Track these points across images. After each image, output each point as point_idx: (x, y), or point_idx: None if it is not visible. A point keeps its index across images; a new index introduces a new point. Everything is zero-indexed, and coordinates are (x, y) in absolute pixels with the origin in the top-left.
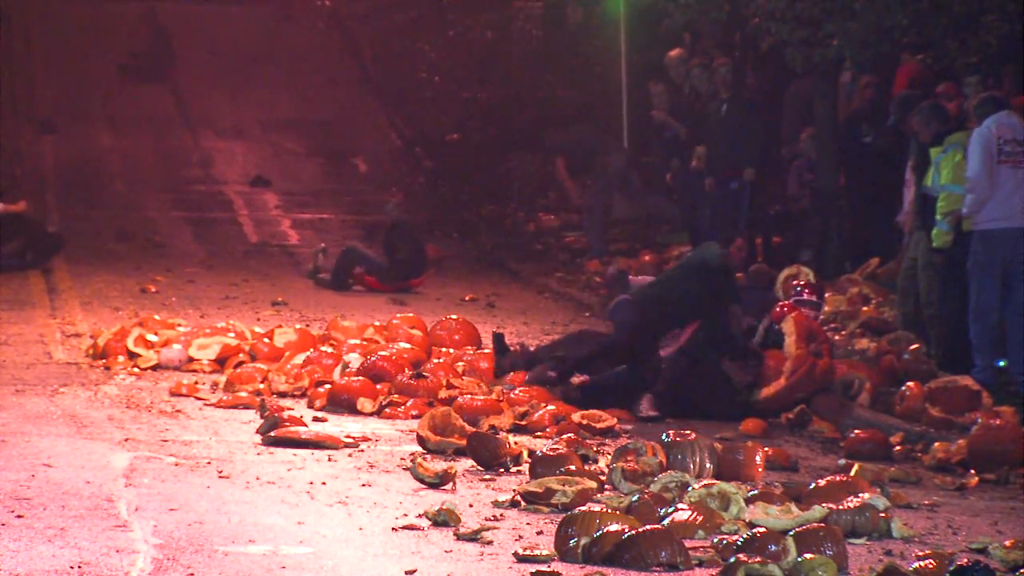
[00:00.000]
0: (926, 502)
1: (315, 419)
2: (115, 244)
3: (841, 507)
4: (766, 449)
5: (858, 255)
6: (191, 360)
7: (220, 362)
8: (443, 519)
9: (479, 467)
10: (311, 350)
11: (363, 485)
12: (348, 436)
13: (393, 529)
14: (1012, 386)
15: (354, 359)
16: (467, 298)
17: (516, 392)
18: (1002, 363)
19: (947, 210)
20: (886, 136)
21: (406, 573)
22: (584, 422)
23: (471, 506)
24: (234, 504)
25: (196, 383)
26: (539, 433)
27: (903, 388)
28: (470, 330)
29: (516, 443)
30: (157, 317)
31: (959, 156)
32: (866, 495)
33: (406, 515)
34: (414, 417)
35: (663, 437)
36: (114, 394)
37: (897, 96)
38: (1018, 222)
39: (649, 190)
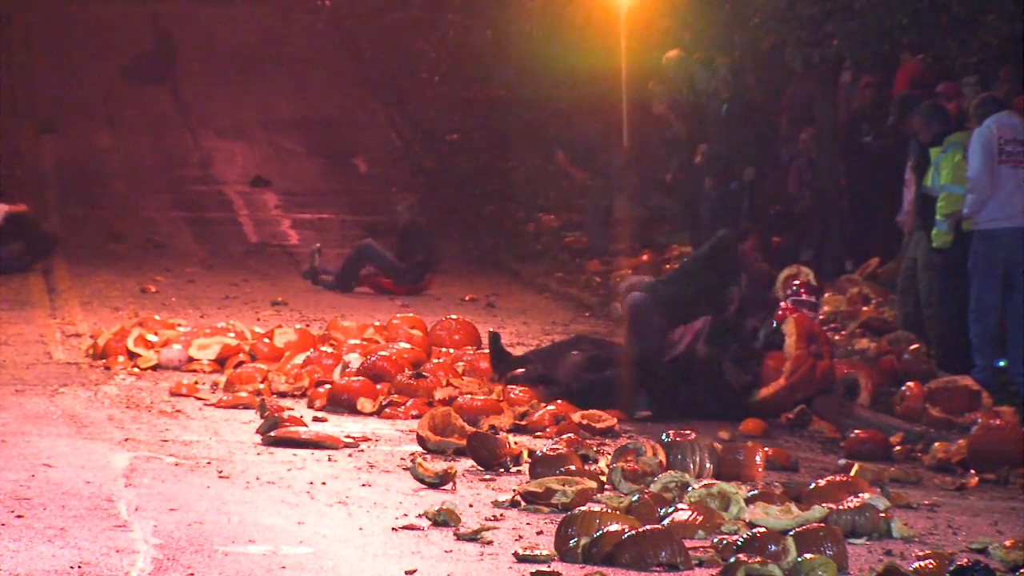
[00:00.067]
0: (926, 502)
1: (315, 419)
2: (115, 244)
3: (841, 507)
4: (766, 449)
5: (858, 255)
6: (191, 360)
7: (220, 362)
8: (443, 519)
9: (479, 467)
10: (311, 350)
11: (363, 485)
12: (348, 436)
13: (393, 529)
14: (1012, 386)
15: (354, 359)
16: (467, 298)
17: (516, 392)
18: (1002, 363)
19: (947, 210)
20: (886, 136)
21: (406, 573)
22: (584, 422)
23: (471, 506)
24: (234, 504)
25: (196, 383)
26: (539, 433)
27: (903, 388)
28: (470, 330)
29: (516, 443)
30: (157, 317)
31: (959, 156)
32: (866, 495)
33: (406, 515)
34: (414, 417)
35: (663, 437)
36: (114, 394)
37: (897, 96)
38: (1019, 222)
39: (648, 190)
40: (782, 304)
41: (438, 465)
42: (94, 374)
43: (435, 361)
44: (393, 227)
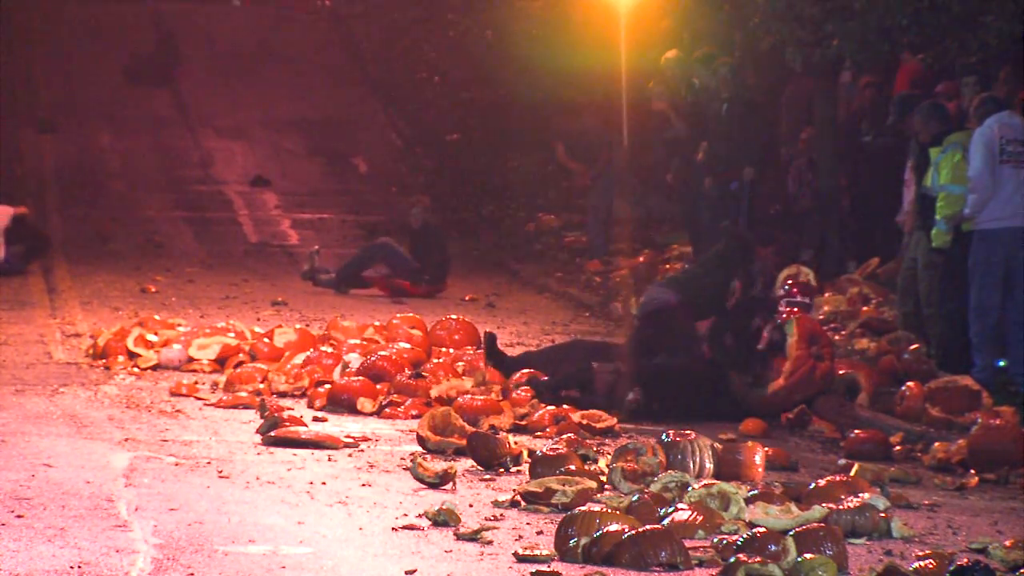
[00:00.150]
0: (926, 502)
1: (315, 419)
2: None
3: (841, 507)
4: (766, 449)
5: (858, 255)
6: (191, 360)
7: (220, 362)
8: (443, 519)
9: (479, 467)
10: (311, 350)
11: (363, 485)
12: (348, 436)
13: (393, 529)
14: (1012, 386)
15: (354, 359)
16: (467, 298)
17: (518, 392)
18: (1002, 363)
19: (947, 210)
20: (885, 136)
21: (406, 573)
22: (584, 422)
23: (471, 506)
24: (234, 504)
25: (196, 383)
26: (539, 433)
27: (903, 388)
28: (470, 330)
29: (516, 443)
30: (157, 317)
31: (958, 156)
32: (866, 495)
33: (406, 515)
34: (414, 417)
35: (663, 437)
36: (114, 394)
37: (897, 96)
38: (1019, 221)
39: (646, 191)
40: (783, 305)
41: (438, 465)
42: (94, 374)
43: (435, 361)
44: (403, 229)
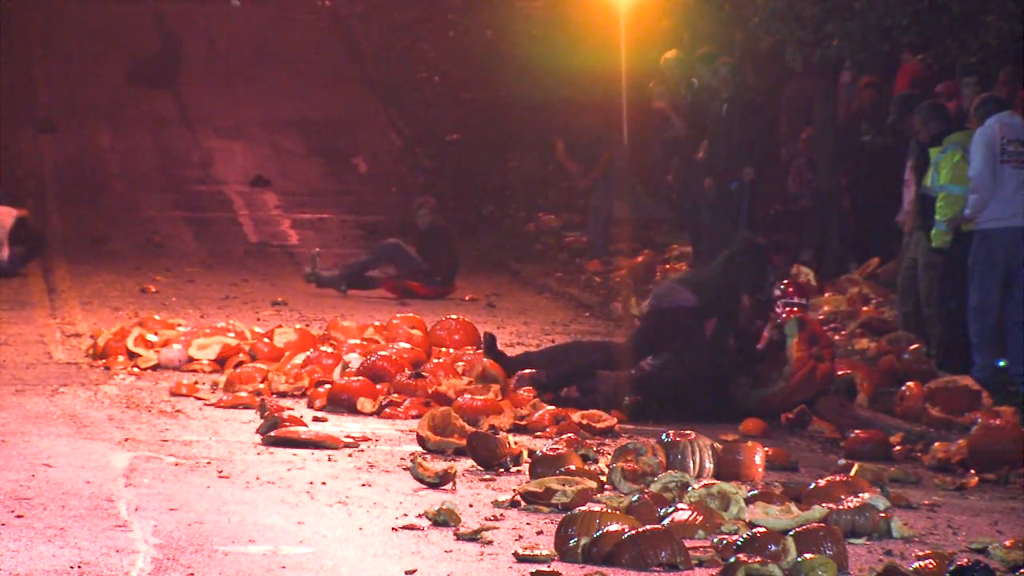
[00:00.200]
0: (926, 502)
1: (315, 419)
2: (115, 244)
3: (841, 507)
4: (766, 449)
5: (858, 255)
6: (191, 360)
7: (220, 362)
8: (443, 519)
9: (479, 467)
10: (311, 350)
11: (363, 485)
12: (348, 436)
13: (393, 529)
14: (1012, 386)
15: (354, 359)
16: (467, 298)
17: (518, 392)
18: (1002, 363)
19: (946, 210)
20: (884, 135)
21: (406, 573)
22: (584, 422)
23: (471, 506)
24: (234, 504)
25: (196, 383)
26: (539, 433)
27: (903, 388)
28: (470, 330)
29: (516, 443)
30: (157, 317)
31: (958, 156)
32: (866, 495)
33: (406, 515)
34: (414, 417)
35: (663, 437)
36: (114, 394)
37: (897, 96)
38: (1019, 221)
39: (649, 197)
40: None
41: (438, 465)
42: (94, 374)
43: (435, 361)
44: (404, 228)
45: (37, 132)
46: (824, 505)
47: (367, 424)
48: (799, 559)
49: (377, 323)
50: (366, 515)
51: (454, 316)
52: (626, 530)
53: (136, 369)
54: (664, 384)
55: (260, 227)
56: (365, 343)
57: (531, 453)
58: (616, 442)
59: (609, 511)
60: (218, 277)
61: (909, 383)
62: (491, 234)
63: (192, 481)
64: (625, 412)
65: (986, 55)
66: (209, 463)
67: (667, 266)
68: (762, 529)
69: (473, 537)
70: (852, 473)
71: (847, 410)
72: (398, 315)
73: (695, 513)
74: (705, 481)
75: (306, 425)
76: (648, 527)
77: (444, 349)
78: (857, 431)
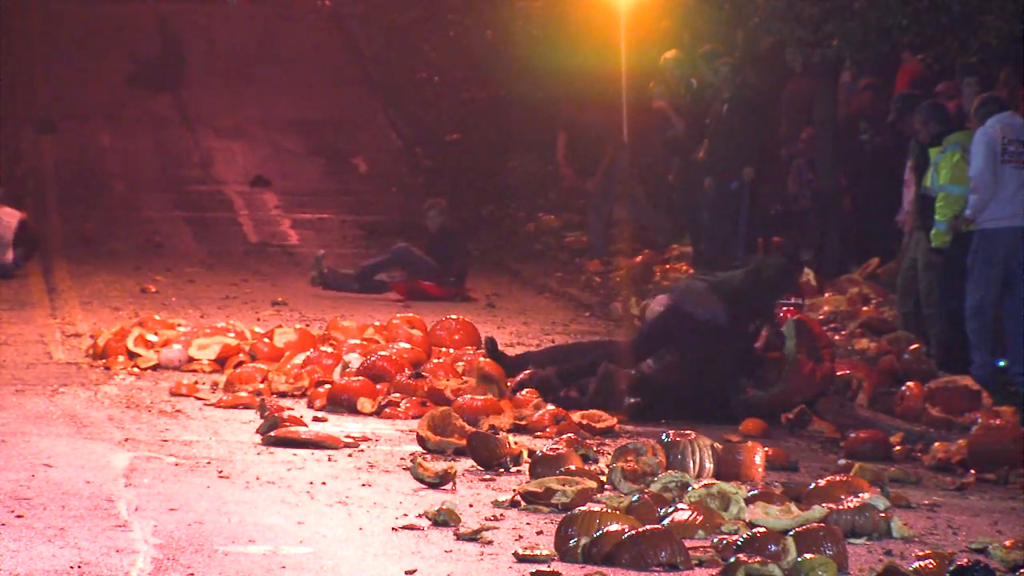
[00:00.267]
0: (926, 502)
1: (315, 419)
2: (115, 244)
3: (841, 507)
4: (766, 449)
5: (858, 255)
6: (191, 360)
7: (220, 362)
8: (443, 519)
9: (479, 467)
10: (311, 350)
11: (363, 485)
12: (348, 436)
13: (393, 529)
14: (1012, 386)
15: (354, 359)
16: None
17: (523, 392)
18: (1002, 363)
19: (946, 211)
20: (883, 135)
21: (406, 573)
22: (584, 422)
23: (471, 506)
24: (234, 504)
25: (196, 383)
26: (539, 433)
27: (903, 388)
28: (470, 330)
29: (516, 443)
30: (157, 317)
31: (957, 156)
32: (866, 495)
33: (406, 515)
34: (414, 417)
35: (663, 437)
36: (114, 394)
37: (898, 95)
38: (1020, 221)
39: (649, 203)
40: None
41: (438, 465)
42: (94, 374)
43: (435, 361)
44: (404, 228)
45: (37, 132)
46: (824, 505)
47: (367, 424)
48: (799, 559)
49: (377, 323)
50: (366, 515)
51: (454, 316)
52: (626, 530)
53: (136, 369)
54: (666, 386)
55: (260, 227)
56: (365, 343)
57: (531, 453)
58: (616, 442)
59: (609, 511)
60: (218, 277)
61: (909, 383)
62: (491, 234)
63: (192, 481)
64: (625, 413)
65: (986, 55)
66: (209, 463)
67: (667, 266)
68: (762, 529)
69: (473, 537)
70: (852, 473)
71: (847, 410)
72: (398, 315)
73: (695, 513)
74: (705, 481)
75: (306, 425)
76: (648, 527)
77: (444, 349)
78: (857, 431)
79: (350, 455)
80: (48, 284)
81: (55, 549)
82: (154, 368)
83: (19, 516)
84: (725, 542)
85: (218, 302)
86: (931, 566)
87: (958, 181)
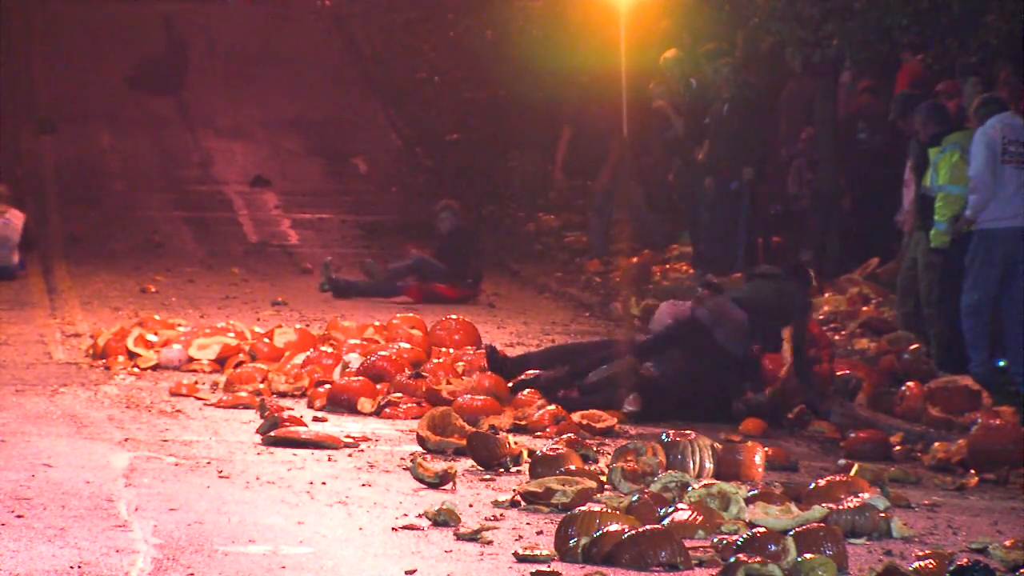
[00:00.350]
0: (926, 502)
1: (315, 419)
2: (115, 244)
3: (841, 507)
4: (766, 449)
5: (858, 255)
6: (191, 360)
7: (220, 362)
8: (443, 519)
9: (479, 467)
10: (311, 350)
11: (363, 485)
12: (348, 436)
13: (393, 529)
14: (1012, 386)
15: (354, 359)
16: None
17: (524, 393)
18: (1002, 363)
19: (946, 211)
20: (880, 134)
21: (406, 573)
22: (584, 422)
23: (471, 506)
24: (234, 504)
25: (196, 383)
26: (539, 433)
27: (903, 388)
28: (470, 330)
29: (516, 443)
30: (157, 317)
31: (956, 156)
32: (866, 495)
33: (406, 515)
34: (414, 417)
35: (663, 437)
36: (114, 394)
37: (899, 94)
38: (1020, 222)
39: (646, 204)
40: None
41: (438, 465)
42: (94, 374)
43: (435, 361)
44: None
45: (37, 132)
46: (824, 505)
47: (367, 424)
48: (799, 559)
49: (377, 323)
50: (366, 515)
51: (454, 316)
52: (626, 530)
53: (136, 369)
54: (668, 390)
55: (260, 227)
56: (365, 343)
57: (531, 453)
58: (616, 442)
59: (609, 511)
60: (218, 277)
61: (909, 383)
62: (491, 234)
63: (192, 481)
64: (626, 415)
65: (986, 55)
66: (209, 463)
67: (667, 266)
68: (762, 529)
69: (473, 537)
70: (852, 473)
71: (847, 410)
72: (398, 315)
73: (695, 513)
74: (705, 481)
75: (306, 425)
76: (648, 527)
77: (444, 349)
78: (857, 431)
79: (350, 455)
80: (48, 284)
81: (55, 549)
82: (154, 368)
83: (19, 516)
84: (725, 542)
85: (218, 302)
86: (931, 566)
87: (957, 181)
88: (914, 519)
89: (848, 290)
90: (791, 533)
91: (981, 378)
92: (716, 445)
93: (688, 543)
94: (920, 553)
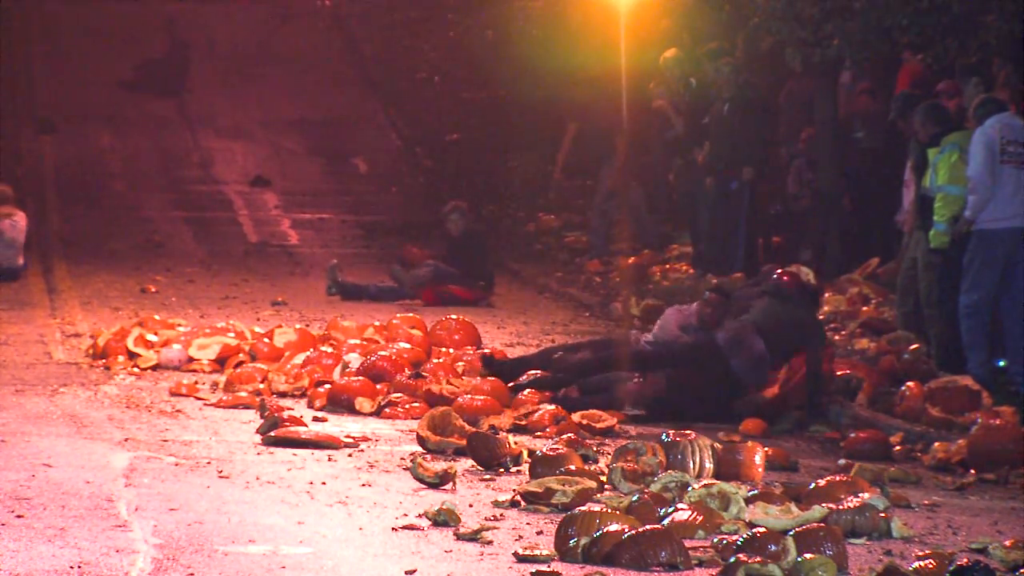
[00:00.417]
0: (926, 502)
1: (315, 419)
2: (115, 244)
3: (841, 507)
4: (766, 449)
5: (858, 255)
6: (191, 360)
7: (220, 362)
8: (443, 519)
9: (479, 467)
10: (311, 350)
11: (363, 485)
12: (348, 436)
13: (393, 529)
14: (1012, 386)
15: (354, 359)
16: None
17: (524, 393)
18: (1002, 363)
19: (944, 211)
20: (877, 134)
21: (406, 573)
22: (584, 422)
23: (471, 506)
24: (234, 504)
25: (196, 383)
26: (539, 433)
27: (903, 388)
28: (470, 330)
29: (516, 443)
30: (157, 317)
31: (955, 156)
32: (866, 495)
33: (406, 515)
34: (414, 417)
35: (663, 437)
36: (114, 394)
37: (899, 94)
38: (1019, 222)
39: (645, 205)
40: None
41: (438, 465)
42: (94, 374)
43: (435, 361)
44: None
45: (37, 132)
46: (824, 505)
47: (367, 424)
48: (799, 559)
49: (377, 323)
50: (366, 515)
51: (454, 316)
52: (626, 530)
53: (136, 369)
54: (672, 396)
55: (260, 227)
56: (365, 343)
57: (531, 453)
58: (616, 442)
59: (609, 511)
60: (218, 277)
61: (909, 383)
62: (491, 234)
63: (192, 481)
64: (628, 416)
65: (986, 55)
66: (209, 463)
67: (667, 266)
68: (762, 529)
69: (473, 537)
70: (852, 473)
71: (847, 410)
72: (398, 315)
73: (695, 513)
74: (705, 481)
75: (306, 425)
76: (648, 527)
77: (444, 349)
78: (857, 431)
79: (350, 455)
80: (48, 284)
81: (55, 549)
82: (154, 368)
83: (19, 516)
84: (725, 542)
85: (218, 302)
86: (931, 566)
87: (956, 181)
88: (914, 519)
89: (848, 290)
90: (791, 533)
91: (980, 379)
92: (716, 445)
93: (688, 543)
94: (920, 553)
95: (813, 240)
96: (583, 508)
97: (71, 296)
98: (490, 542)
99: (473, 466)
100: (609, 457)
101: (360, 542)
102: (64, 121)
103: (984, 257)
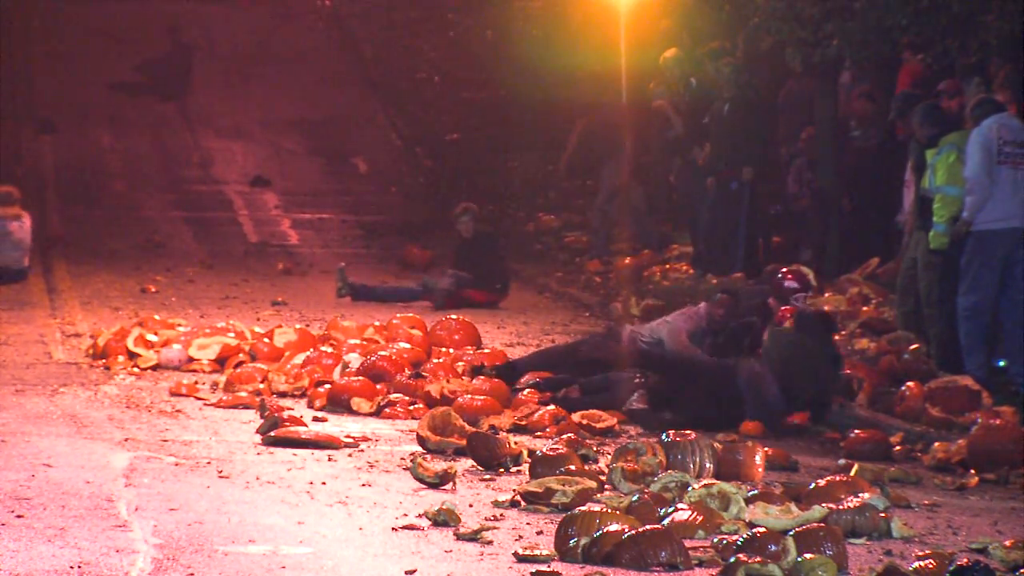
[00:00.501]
0: (926, 502)
1: (315, 419)
2: (115, 244)
3: (841, 507)
4: (766, 449)
5: (858, 255)
6: (191, 360)
7: (220, 362)
8: (443, 519)
9: (479, 467)
10: (311, 350)
11: (363, 485)
12: (348, 436)
13: (393, 529)
14: (1012, 386)
15: (354, 359)
16: None
17: (525, 393)
18: (1002, 363)
19: (943, 212)
20: (875, 135)
21: (406, 573)
22: (584, 422)
23: (471, 506)
24: (234, 504)
25: (196, 383)
26: (539, 433)
27: (903, 388)
28: (470, 330)
29: (516, 443)
30: (157, 317)
31: (953, 157)
32: (866, 495)
33: (406, 515)
34: (414, 417)
35: (663, 437)
36: (114, 394)
37: (899, 94)
38: (1017, 222)
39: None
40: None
41: (438, 465)
42: (94, 374)
43: (435, 361)
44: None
45: (37, 132)
46: (824, 505)
47: (367, 424)
48: (799, 559)
49: (377, 323)
50: (366, 515)
51: (454, 316)
52: (626, 530)
53: (136, 369)
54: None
55: (260, 227)
56: (365, 343)
57: (531, 453)
58: (616, 442)
59: (609, 511)
60: (218, 277)
61: (909, 383)
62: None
63: (192, 481)
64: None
65: (986, 55)
66: (209, 463)
67: (667, 266)
68: (762, 529)
69: (473, 537)
70: (852, 473)
71: (847, 410)
72: (398, 315)
73: (695, 513)
74: (705, 481)
75: (306, 425)
76: (648, 527)
77: (444, 349)
78: (857, 431)
79: (350, 455)
80: (48, 284)
81: (55, 549)
82: (154, 368)
83: (19, 516)
84: (725, 542)
85: (218, 302)
86: (931, 566)
87: (954, 182)
88: (914, 519)
89: (848, 290)
90: (791, 533)
91: (979, 379)
92: (716, 445)
93: (688, 543)
94: (920, 553)
95: (813, 240)
96: (583, 508)
97: (71, 296)
98: (490, 542)
99: (473, 466)
100: (609, 457)
101: (360, 542)
102: (64, 121)
103: (982, 258)
